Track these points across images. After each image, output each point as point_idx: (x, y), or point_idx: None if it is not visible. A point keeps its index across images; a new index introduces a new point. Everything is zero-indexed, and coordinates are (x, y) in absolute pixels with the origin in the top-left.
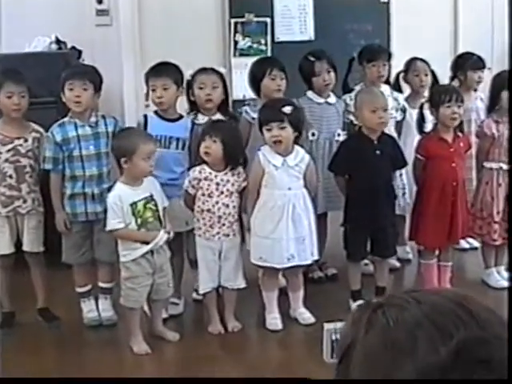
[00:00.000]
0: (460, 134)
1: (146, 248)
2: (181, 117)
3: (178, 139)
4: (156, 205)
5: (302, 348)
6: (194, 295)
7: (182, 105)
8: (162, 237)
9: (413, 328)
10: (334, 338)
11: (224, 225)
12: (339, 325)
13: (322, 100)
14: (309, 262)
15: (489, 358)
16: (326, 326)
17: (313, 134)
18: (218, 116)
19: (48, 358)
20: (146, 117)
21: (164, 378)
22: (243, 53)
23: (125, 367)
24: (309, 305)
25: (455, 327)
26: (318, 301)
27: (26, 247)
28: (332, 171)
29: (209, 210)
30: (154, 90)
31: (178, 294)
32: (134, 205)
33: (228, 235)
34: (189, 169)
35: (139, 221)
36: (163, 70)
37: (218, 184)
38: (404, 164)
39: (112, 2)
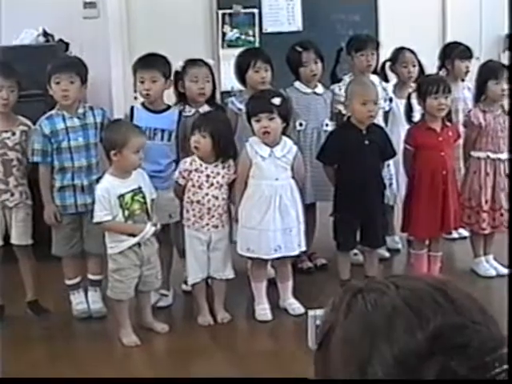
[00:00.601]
0: (448, 123)
1: (133, 241)
2: (168, 108)
3: (163, 131)
4: (144, 197)
5: (292, 338)
6: (183, 286)
7: (169, 96)
8: (149, 230)
9: (391, 312)
10: (318, 324)
11: (213, 216)
12: (323, 311)
13: (309, 90)
14: (296, 253)
15: (466, 344)
16: (310, 312)
17: (300, 124)
18: (206, 108)
19: (38, 350)
20: (132, 109)
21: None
22: (231, 44)
23: (115, 359)
24: (298, 295)
25: (433, 312)
26: (307, 291)
27: (14, 240)
28: (321, 161)
29: (198, 202)
30: (142, 82)
31: (167, 285)
32: (121, 197)
33: (217, 226)
34: (176, 161)
35: (126, 213)
36: (152, 62)
37: (208, 176)
38: (393, 154)
39: None
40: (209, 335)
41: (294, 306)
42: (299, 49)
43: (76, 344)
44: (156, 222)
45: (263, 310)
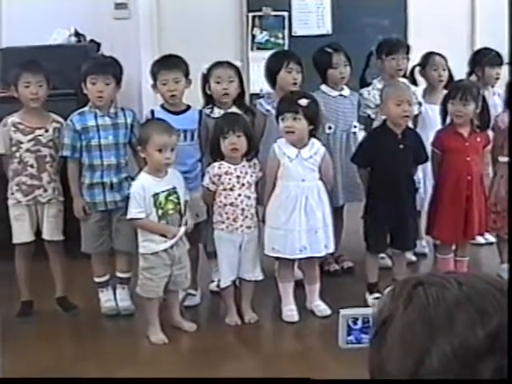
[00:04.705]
0: (477, 129)
1: (167, 244)
2: (188, 108)
3: (185, 131)
4: (178, 198)
5: (318, 340)
6: (211, 286)
7: (190, 96)
8: (181, 231)
9: (452, 307)
10: (350, 323)
11: (247, 217)
12: (355, 311)
13: (336, 93)
14: (322, 254)
15: None
16: (342, 311)
17: (329, 128)
18: (234, 109)
19: (66, 346)
20: (152, 111)
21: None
22: (260, 47)
23: (142, 356)
24: (325, 297)
25: (494, 310)
26: (333, 293)
27: (45, 235)
28: (355, 163)
29: (232, 204)
30: (164, 84)
31: (195, 285)
32: (156, 196)
33: (250, 227)
34: (200, 160)
35: (160, 212)
36: (174, 63)
37: (238, 177)
38: (426, 159)
39: None
40: (236, 335)
41: (321, 307)
42: (329, 50)
43: (103, 341)
44: (187, 220)
45: (290, 311)
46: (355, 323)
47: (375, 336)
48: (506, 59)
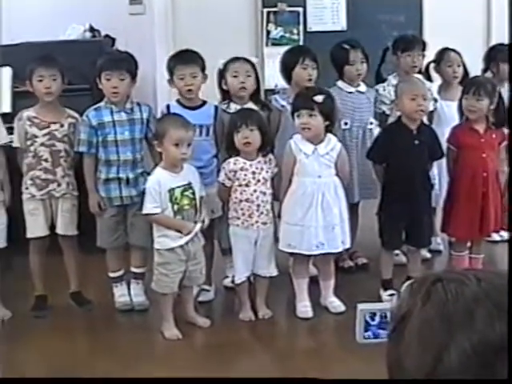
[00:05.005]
0: (493, 126)
1: (183, 241)
2: (204, 103)
3: (201, 126)
4: (194, 193)
5: (332, 336)
6: (225, 282)
7: (205, 92)
8: (197, 227)
9: (471, 303)
10: (367, 319)
11: (262, 213)
12: (372, 305)
13: (352, 89)
14: (339, 250)
15: None
16: (360, 306)
17: (345, 124)
18: (250, 105)
19: (79, 341)
20: (168, 106)
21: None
22: (275, 42)
23: (156, 352)
24: (339, 294)
25: None
26: (348, 290)
27: (59, 230)
28: (370, 159)
29: (247, 200)
30: (181, 79)
31: (209, 280)
32: (171, 191)
33: (265, 223)
34: (216, 156)
35: (175, 207)
36: (191, 58)
37: (253, 173)
38: (442, 155)
39: None
40: (250, 331)
41: (335, 303)
42: (346, 46)
43: (117, 336)
44: (204, 217)
45: (304, 307)
46: (373, 319)
47: (393, 332)
48: None
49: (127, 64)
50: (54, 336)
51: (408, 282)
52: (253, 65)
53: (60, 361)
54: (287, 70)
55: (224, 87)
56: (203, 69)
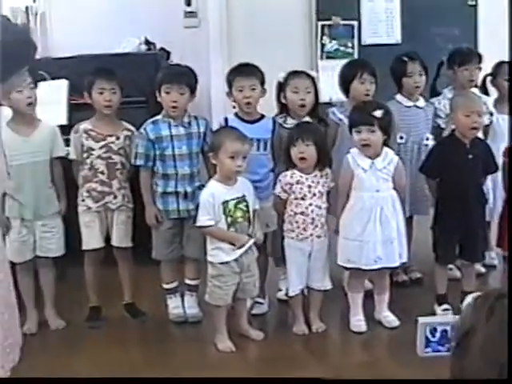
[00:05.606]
0: None
1: (236, 255)
2: (262, 117)
3: (258, 140)
4: (247, 206)
5: (386, 350)
6: (279, 295)
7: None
8: (250, 242)
9: None
10: (428, 335)
11: (317, 226)
12: (433, 319)
13: (411, 103)
14: (397, 264)
15: None
16: (421, 319)
17: (401, 138)
18: (307, 119)
19: (133, 352)
20: (226, 119)
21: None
22: (330, 55)
23: (209, 364)
24: (393, 308)
25: None
26: (402, 304)
27: (114, 242)
28: (424, 174)
29: (302, 213)
30: (240, 91)
31: (263, 293)
32: (225, 203)
33: (320, 236)
34: (273, 170)
35: (229, 220)
36: (251, 71)
37: (309, 186)
38: (495, 169)
39: (200, 4)
40: (303, 344)
41: (389, 318)
42: (405, 59)
43: (171, 347)
44: (257, 232)
45: (358, 321)
46: (433, 335)
47: (457, 346)
48: None
49: (187, 78)
50: (107, 347)
51: (470, 298)
52: (312, 79)
53: (113, 371)
54: (345, 83)
55: (283, 101)
56: (262, 82)
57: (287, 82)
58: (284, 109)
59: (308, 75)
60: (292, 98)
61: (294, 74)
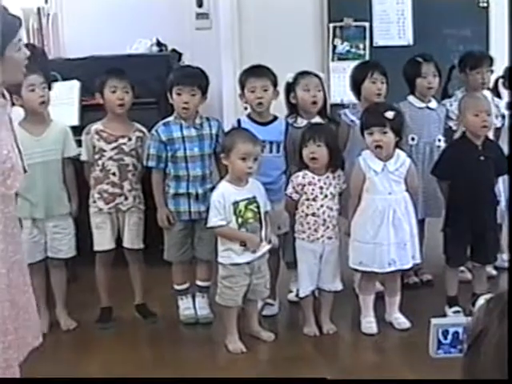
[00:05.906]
0: None
1: (248, 258)
2: (275, 119)
3: (271, 142)
4: (258, 207)
5: (397, 352)
6: (289, 296)
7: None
8: (264, 248)
9: None
10: (440, 337)
11: (328, 227)
12: (446, 320)
13: (423, 105)
14: (410, 265)
15: None
16: (434, 320)
17: (412, 139)
18: (317, 119)
19: (144, 353)
20: (239, 121)
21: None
22: (341, 57)
23: (220, 365)
24: (404, 310)
25: None
26: (413, 306)
27: (126, 244)
28: (435, 175)
29: (313, 214)
30: (252, 92)
31: (274, 294)
32: (235, 204)
33: (331, 238)
34: (285, 172)
35: (240, 220)
36: (263, 72)
37: (321, 188)
38: (507, 170)
39: (212, 6)
40: (314, 346)
41: (400, 320)
42: (419, 59)
43: (182, 348)
44: (274, 240)
45: (369, 323)
46: (445, 337)
47: (469, 348)
48: None
49: (199, 80)
50: (118, 347)
51: (483, 300)
52: (320, 79)
53: (124, 372)
54: (356, 84)
55: (292, 101)
56: (275, 84)
57: (297, 82)
58: (293, 109)
59: (316, 75)
60: (303, 95)
61: (304, 73)
